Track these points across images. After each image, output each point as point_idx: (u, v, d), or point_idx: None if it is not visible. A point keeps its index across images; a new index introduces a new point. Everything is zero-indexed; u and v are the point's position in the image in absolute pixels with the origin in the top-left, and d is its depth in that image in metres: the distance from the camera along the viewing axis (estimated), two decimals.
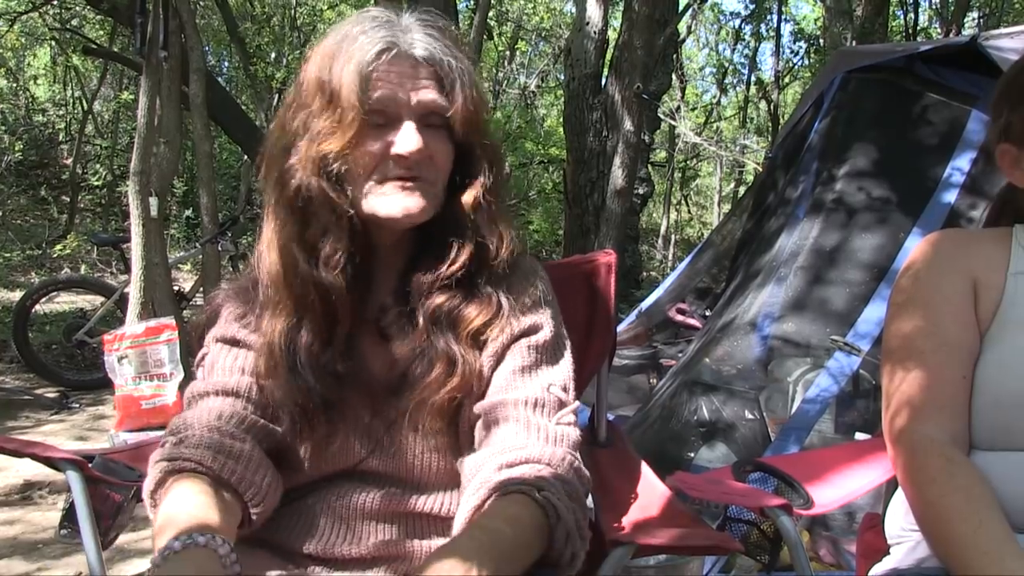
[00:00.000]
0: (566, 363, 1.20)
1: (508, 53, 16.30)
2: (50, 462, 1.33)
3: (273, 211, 1.14)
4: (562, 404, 1.15)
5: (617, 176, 5.62)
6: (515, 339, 1.17)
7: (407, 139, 1.08)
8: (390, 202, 1.11)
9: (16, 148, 11.27)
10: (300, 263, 1.11)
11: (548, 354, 1.18)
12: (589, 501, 1.39)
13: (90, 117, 12.24)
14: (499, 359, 1.16)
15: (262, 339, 1.15)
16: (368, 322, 1.18)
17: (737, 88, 18.24)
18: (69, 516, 1.34)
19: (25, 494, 3.52)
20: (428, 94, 1.10)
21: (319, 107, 1.09)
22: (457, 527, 1.05)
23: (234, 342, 1.20)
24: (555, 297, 1.26)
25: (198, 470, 1.04)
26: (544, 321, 1.19)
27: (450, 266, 1.14)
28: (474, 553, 0.89)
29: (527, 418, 1.11)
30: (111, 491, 1.37)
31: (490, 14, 10.07)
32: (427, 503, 1.15)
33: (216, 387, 1.16)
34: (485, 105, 1.15)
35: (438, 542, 1.14)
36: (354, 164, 1.10)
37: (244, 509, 1.08)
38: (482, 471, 1.07)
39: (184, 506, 0.99)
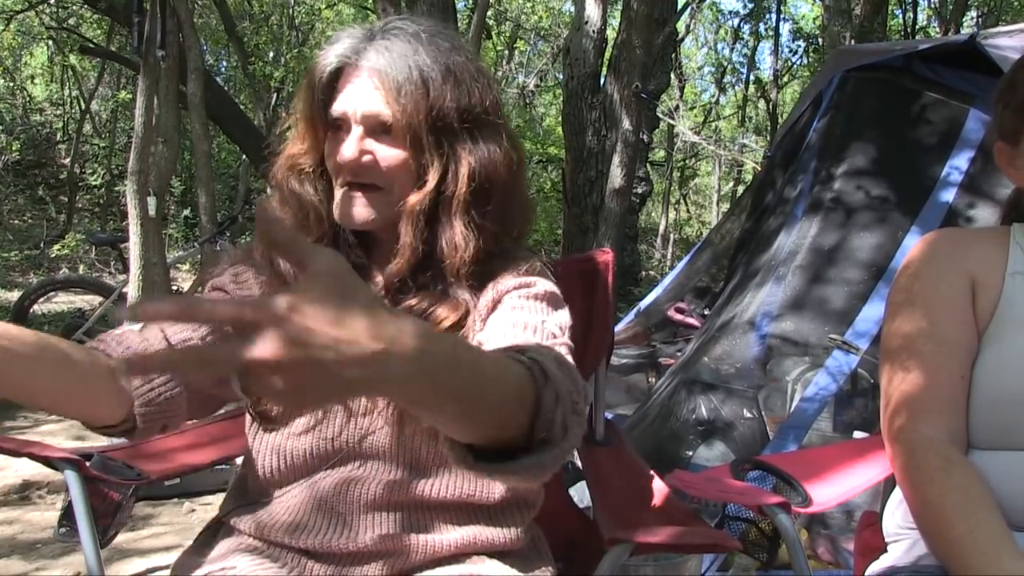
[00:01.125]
0: (563, 314, 1.17)
1: (507, 52, 16.31)
2: (48, 461, 1.33)
3: (276, 200, 1.23)
4: (555, 338, 1.11)
5: (616, 175, 5.62)
6: (498, 301, 1.16)
7: (346, 147, 1.14)
8: (340, 206, 1.16)
9: (13, 148, 11.28)
10: None
11: (544, 301, 1.16)
12: (582, 495, 1.39)
13: (88, 117, 12.25)
14: (483, 323, 1.16)
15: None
16: None
17: (736, 87, 18.26)
18: (67, 515, 1.34)
19: (23, 494, 3.52)
20: (369, 105, 1.13)
21: (299, 115, 1.20)
22: None
23: (221, 291, 1.24)
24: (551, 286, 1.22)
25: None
26: (536, 280, 1.19)
27: (389, 272, 1.16)
28: (458, 343, 0.80)
29: (512, 335, 1.09)
30: (109, 490, 1.37)
31: (489, 13, 10.07)
32: (426, 488, 1.14)
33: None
34: (446, 113, 1.13)
35: (438, 536, 1.14)
36: (327, 167, 1.19)
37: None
38: None
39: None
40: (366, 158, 1.14)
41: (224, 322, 0.61)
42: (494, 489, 1.18)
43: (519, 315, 1.12)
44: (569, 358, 1.05)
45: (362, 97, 1.14)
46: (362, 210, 1.15)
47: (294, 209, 1.20)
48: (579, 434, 0.90)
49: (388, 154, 1.14)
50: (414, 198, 1.14)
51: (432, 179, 1.14)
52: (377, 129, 1.14)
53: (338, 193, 1.16)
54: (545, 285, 1.19)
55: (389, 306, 0.73)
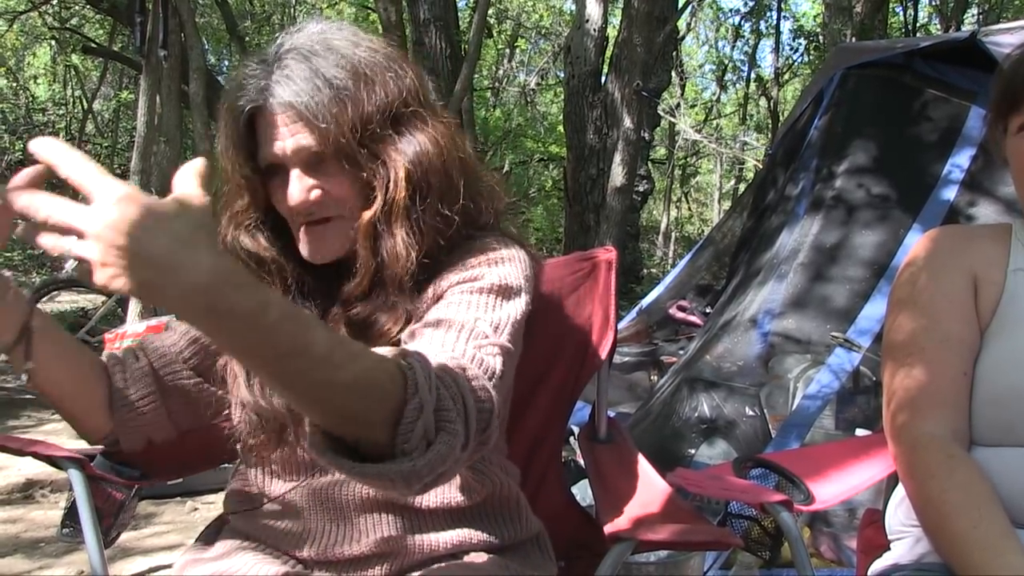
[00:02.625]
0: (510, 308, 1.08)
1: (508, 51, 16.30)
2: (52, 460, 1.33)
3: None
4: (486, 338, 1.01)
5: (617, 173, 5.62)
6: (444, 293, 1.11)
7: (292, 192, 1.09)
8: (304, 246, 1.13)
9: (16, 148, 11.29)
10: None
11: (489, 294, 1.08)
12: (584, 493, 1.39)
13: (90, 116, 12.26)
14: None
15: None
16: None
17: (737, 85, 18.26)
18: (71, 515, 1.35)
19: (27, 492, 3.52)
20: (297, 141, 1.08)
21: (228, 170, 1.15)
22: None
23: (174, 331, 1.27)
24: (530, 279, 1.16)
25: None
26: (483, 272, 1.11)
27: (352, 292, 1.12)
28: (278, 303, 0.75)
29: (435, 337, 1.00)
30: (113, 489, 1.37)
31: (490, 12, 10.06)
32: (420, 496, 1.13)
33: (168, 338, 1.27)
34: (368, 123, 1.07)
35: (437, 536, 1.14)
36: (282, 213, 1.14)
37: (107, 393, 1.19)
38: None
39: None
40: (314, 194, 1.09)
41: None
42: (475, 493, 1.16)
43: (449, 311, 1.04)
44: (493, 362, 0.97)
45: (283, 136, 1.08)
46: (328, 244, 1.11)
47: (252, 269, 1.14)
48: (445, 453, 0.82)
49: (333, 183, 1.10)
50: (367, 215, 1.09)
51: (379, 191, 1.09)
52: (311, 161, 1.09)
53: (299, 234, 1.12)
54: (495, 276, 1.09)
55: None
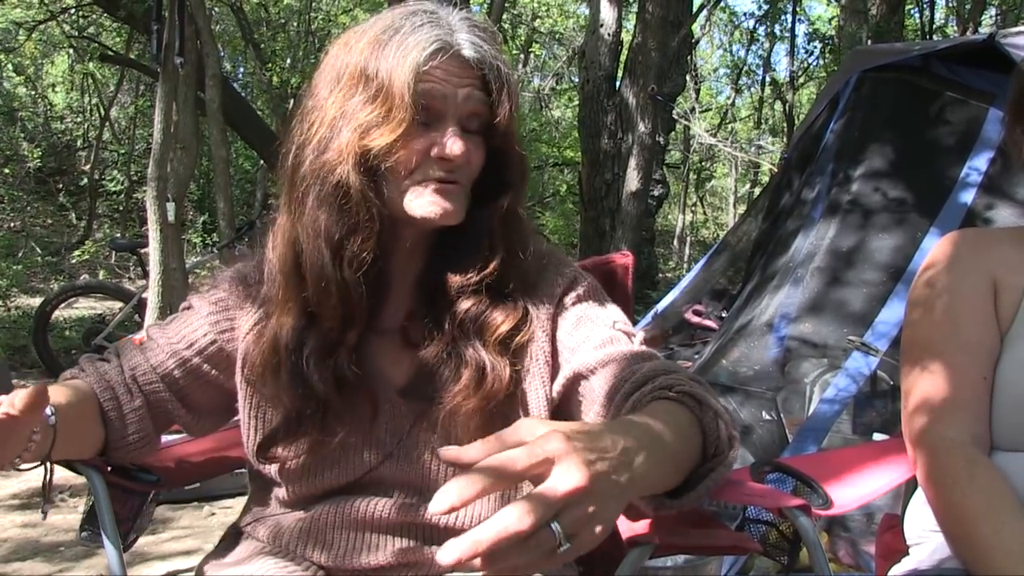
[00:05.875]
0: (615, 306, 1.20)
1: (522, 56, 16.32)
2: (71, 465, 1.34)
3: (299, 206, 1.09)
4: (631, 336, 1.15)
5: (632, 178, 5.62)
6: (557, 311, 1.17)
7: (453, 142, 1.05)
8: (428, 203, 1.07)
9: (35, 155, 11.39)
10: (325, 262, 1.06)
11: (596, 298, 1.19)
12: None
13: (107, 124, 12.36)
14: (552, 339, 1.15)
15: (259, 337, 1.14)
16: (382, 326, 1.15)
17: (752, 89, 18.19)
18: (90, 519, 1.35)
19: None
20: (476, 95, 1.07)
21: (363, 99, 1.04)
22: None
23: (195, 312, 1.22)
24: (593, 280, 1.25)
25: (89, 384, 1.17)
26: (578, 279, 1.20)
27: (481, 271, 1.10)
28: (634, 428, 0.85)
29: (614, 353, 1.10)
30: (130, 494, 1.38)
31: (504, 17, 10.09)
32: (443, 515, 1.13)
33: (157, 350, 1.22)
34: (519, 111, 1.13)
35: None
36: (396, 162, 1.05)
37: (104, 437, 1.18)
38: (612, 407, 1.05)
39: (62, 388, 1.13)
40: (465, 153, 1.07)
41: (525, 476, 0.70)
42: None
43: (596, 332, 1.13)
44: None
45: (461, 85, 1.06)
46: (457, 205, 1.09)
47: (352, 213, 1.05)
48: (737, 438, 0.97)
49: (477, 153, 1.10)
50: (505, 200, 1.11)
51: (515, 177, 1.13)
52: (471, 125, 1.08)
53: (424, 190, 1.07)
54: (585, 278, 1.21)
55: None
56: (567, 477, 0.68)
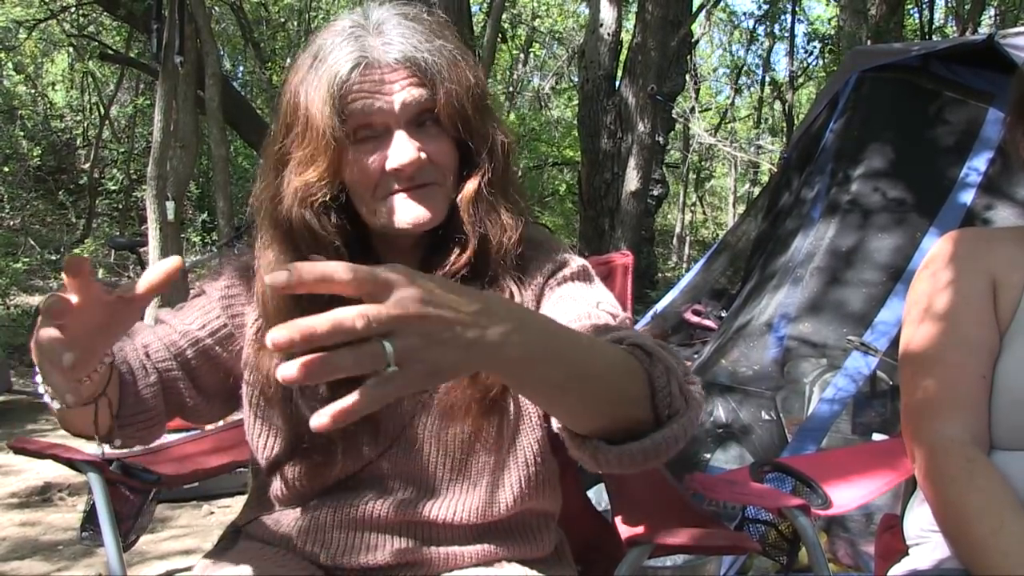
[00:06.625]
0: (602, 286, 1.18)
1: (522, 55, 16.33)
2: (71, 463, 1.34)
3: (269, 236, 1.11)
4: (615, 317, 1.09)
5: (632, 177, 5.62)
6: (542, 293, 1.15)
7: (399, 151, 1.03)
8: (399, 213, 1.06)
9: (35, 154, 11.38)
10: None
11: (584, 279, 1.16)
12: (599, 497, 1.38)
13: (107, 122, 12.35)
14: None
15: (259, 349, 1.13)
16: None
17: (751, 89, 18.20)
18: (90, 518, 1.36)
19: (45, 495, 3.55)
20: (410, 94, 1.03)
21: (298, 132, 1.05)
22: None
23: (208, 297, 1.21)
24: (585, 264, 1.22)
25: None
26: (568, 262, 1.17)
27: (453, 265, 1.10)
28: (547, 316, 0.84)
29: (586, 325, 1.05)
30: (130, 493, 1.38)
31: (503, 16, 10.09)
32: (441, 509, 1.13)
33: (170, 331, 1.19)
34: (478, 90, 1.08)
35: (457, 548, 1.13)
36: (352, 185, 1.06)
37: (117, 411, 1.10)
38: None
39: None
40: (422, 156, 1.04)
41: (360, 291, 0.65)
42: (508, 506, 1.14)
43: (574, 307, 1.09)
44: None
45: (393, 91, 1.02)
46: (432, 208, 1.07)
47: (305, 249, 1.05)
48: (700, 399, 0.89)
49: (438, 147, 1.06)
50: (471, 185, 1.08)
51: (485, 159, 1.09)
52: (417, 121, 1.05)
53: (392, 202, 1.06)
54: (576, 262, 1.18)
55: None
56: (400, 303, 0.65)
